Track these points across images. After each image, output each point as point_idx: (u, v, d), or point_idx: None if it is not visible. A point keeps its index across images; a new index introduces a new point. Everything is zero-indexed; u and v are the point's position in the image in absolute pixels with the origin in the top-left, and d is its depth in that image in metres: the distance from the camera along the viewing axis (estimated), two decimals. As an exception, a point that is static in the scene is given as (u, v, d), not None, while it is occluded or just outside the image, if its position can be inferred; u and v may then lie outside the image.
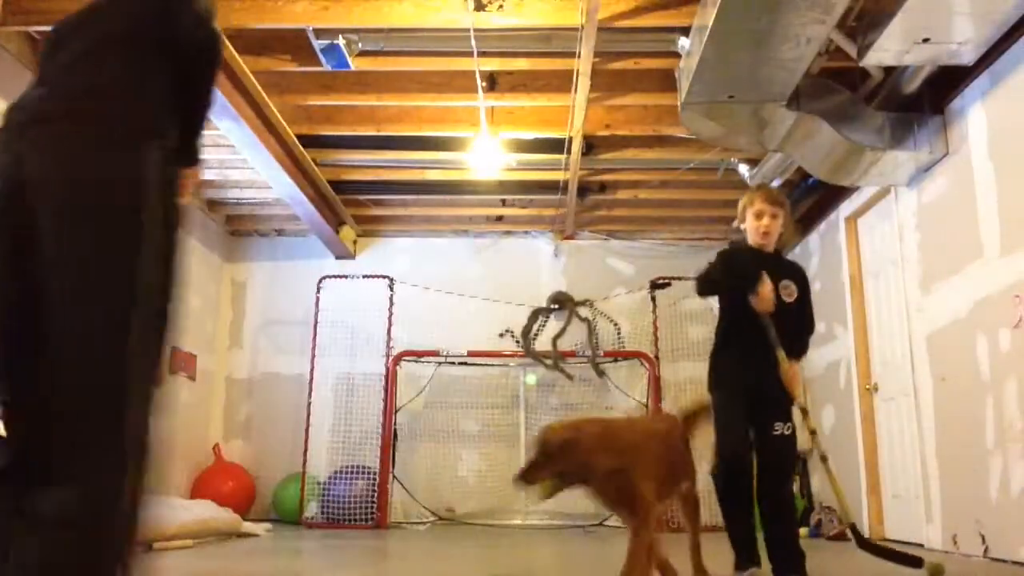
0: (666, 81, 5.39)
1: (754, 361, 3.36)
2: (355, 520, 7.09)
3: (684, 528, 3.26)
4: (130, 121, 1.61)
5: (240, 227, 8.56)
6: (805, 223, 7.53)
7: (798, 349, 3.48)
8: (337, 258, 8.50)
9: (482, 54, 5.03)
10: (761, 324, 3.35)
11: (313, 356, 7.82)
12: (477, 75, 5.24)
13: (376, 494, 7.17)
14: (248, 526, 6.08)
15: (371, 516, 7.09)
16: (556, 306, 8.15)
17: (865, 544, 3.52)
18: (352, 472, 7.32)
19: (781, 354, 3.32)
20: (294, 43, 5.12)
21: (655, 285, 8.10)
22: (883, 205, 5.97)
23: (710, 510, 3.62)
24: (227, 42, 4.79)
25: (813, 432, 3.54)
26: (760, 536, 3.28)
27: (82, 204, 1.50)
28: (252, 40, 5.13)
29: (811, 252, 7.46)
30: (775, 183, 6.48)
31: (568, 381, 7.78)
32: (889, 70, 4.85)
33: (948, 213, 4.94)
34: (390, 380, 7.57)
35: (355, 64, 5.05)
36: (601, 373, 7.77)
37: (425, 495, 7.65)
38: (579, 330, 8.03)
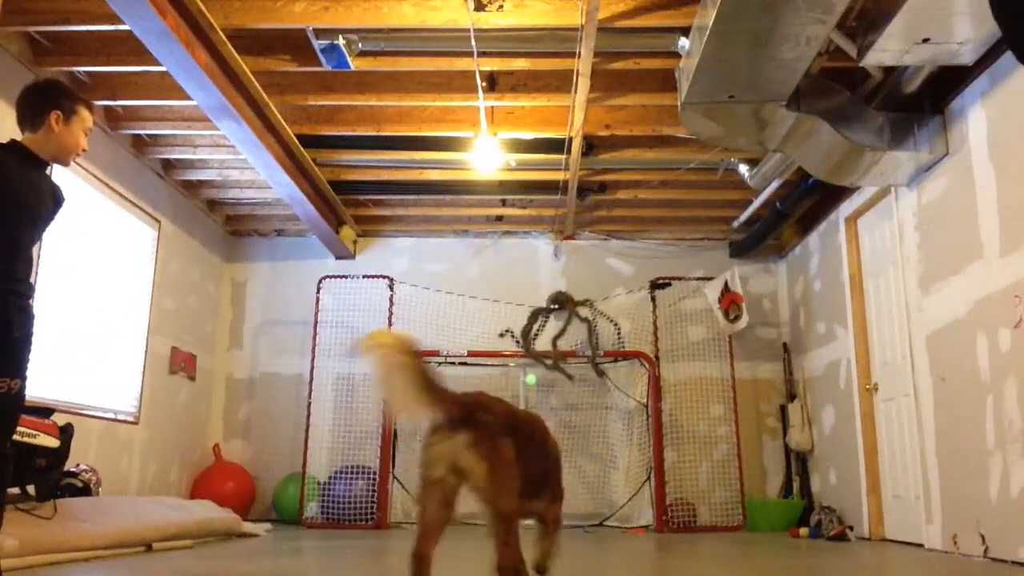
0: (666, 81, 5.39)
1: None
2: (355, 520, 7.09)
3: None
4: None
5: (240, 227, 8.56)
6: (805, 223, 7.54)
7: None
8: (337, 258, 8.50)
9: (482, 54, 5.03)
10: None
11: (313, 356, 7.82)
12: (477, 75, 5.24)
13: (376, 494, 7.16)
14: (248, 526, 6.08)
15: (371, 516, 7.09)
16: (556, 306, 8.16)
17: None
18: (352, 472, 7.32)
19: None
20: (294, 43, 5.12)
21: (655, 285, 8.11)
22: (883, 205, 5.97)
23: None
24: (227, 42, 4.79)
25: None
26: None
27: None
28: (252, 40, 5.13)
29: (811, 252, 7.46)
30: (774, 184, 6.49)
31: (568, 381, 7.78)
32: (889, 70, 4.85)
33: (948, 213, 4.94)
34: (390, 380, 7.56)
35: (355, 64, 5.06)
36: (601, 373, 7.77)
37: (425, 495, 7.63)
38: (579, 330, 8.03)
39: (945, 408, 4.96)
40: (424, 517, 2.37)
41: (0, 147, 2.94)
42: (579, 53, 4.75)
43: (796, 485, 7.57)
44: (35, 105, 3.00)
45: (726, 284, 7.73)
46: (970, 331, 4.64)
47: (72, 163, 3.19)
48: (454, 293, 8.24)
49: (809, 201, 6.88)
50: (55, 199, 3.07)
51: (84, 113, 3.07)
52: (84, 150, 3.12)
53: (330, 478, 7.36)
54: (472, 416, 2.34)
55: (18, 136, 3.02)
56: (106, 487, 5.81)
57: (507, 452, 2.36)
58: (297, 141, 6.20)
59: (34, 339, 2.90)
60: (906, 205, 5.49)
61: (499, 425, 2.39)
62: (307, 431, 7.55)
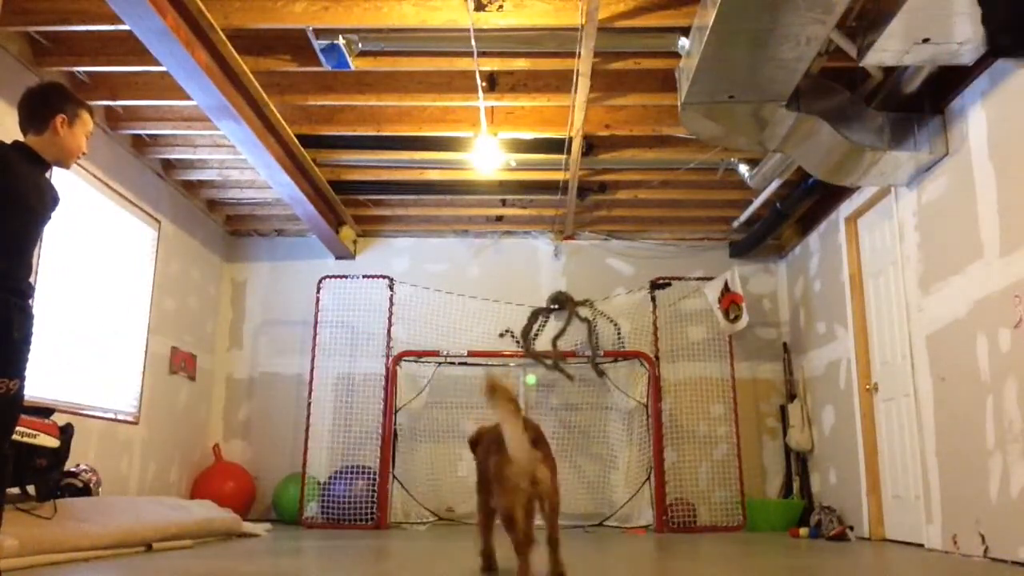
0: (666, 81, 5.39)
1: None
2: (355, 520, 7.09)
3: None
4: None
5: (240, 227, 8.57)
6: (805, 223, 7.54)
7: None
8: (337, 258, 8.50)
9: (482, 54, 5.03)
10: None
11: (313, 356, 7.82)
12: (477, 75, 5.24)
13: (376, 494, 7.16)
14: (248, 526, 6.08)
15: (371, 516, 7.09)
16: (556, 306, 8.15)
17: None
18: (352, 472, 7.32)
19: None
20: (294, 43, 5.12)
21: (655, 285, 8.11)
22: (883, 205, 5.97)
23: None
24: (227, 42, 4.79)
25: None
26: None
27: None
28: (252, 40, 5.13)
29: (811, 252, 7.46)
30: (774, 184, 6.49)
31: (568, 381, 7.78)
32: (889, 70, 4.85)
33: (948, 213, 4.94)
34: (390, 380, 7.57)
35: (355, 64, 5.06)
36: (601, 373, 7.77)
37: (425, 495, 7.65)
38: (579, 330, 8.03)
39: (945, 408, 4.95)
40: (517, 516, 3.00)
41: (8, 148, 2.94)
42: (579, 53, 4.76)
43: (796, 485, 7.57)
44: (39, 108, 3.02)
45: (726, 284, 7.73)
46: (970, 331, 4.64)
47: (72, 165, 3.22)
48: (454, 293, 8.24)
49: (809, 201, 6.88)
50: (53, 199, 3.09)
51: (86, 117, 3.12)
52: (84, 153, 3.17)
53: (330, 478, 7.36)
54: (538, 440, 3.09)
55: (18, 136, 3.03)
56: (106, 487, 5.81)
57: (555, 463, 3.16)
58: (297, 141, 6.20)
59: (34, 339, 2.90)
60: (906, 205, 5.48)
61: (547, 443, 3.18)
62: (307, 431, 7.55)
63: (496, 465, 3.11)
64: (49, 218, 3.10)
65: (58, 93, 3.12)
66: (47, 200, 3.05)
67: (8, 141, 2.99)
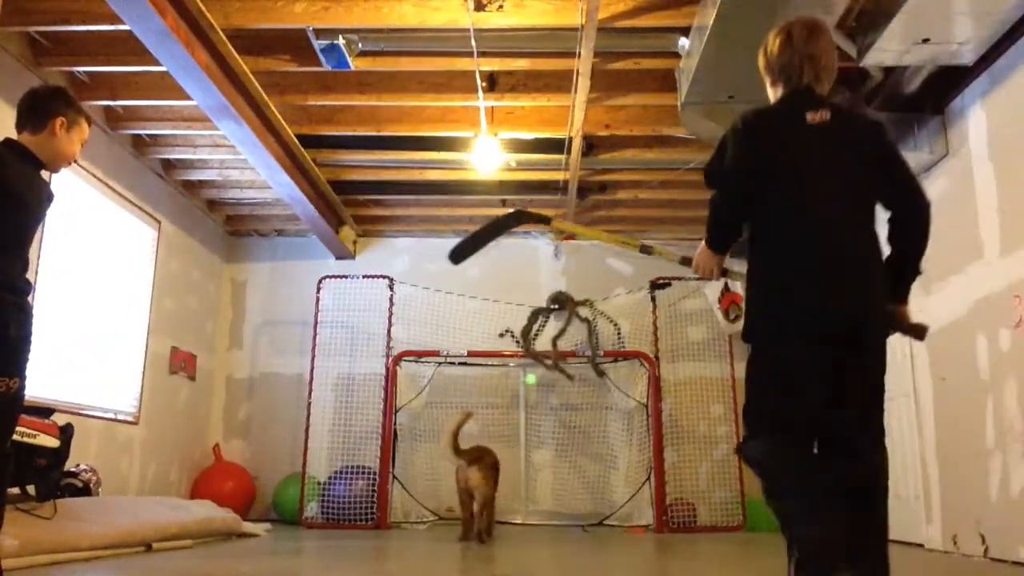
0: (666, 81, 5.39)
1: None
2: (355, 520, 7.09)
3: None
4: None
5: (240, 227, 8.56)
6: (805, 223, 7.52)
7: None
8: (337, 258, 8.50)
9: (482, 54, 5.03)
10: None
11: (313, 356, 7.81)
12: (477, 75, 5.24)
13: (376, 494, 7.16)
14: (248, 526, 6.08)
15: (371, 516, 7.09)
16: (556, 306, 8.15)
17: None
18: (352, 472, 7.32)
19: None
20: (294, 43, 5.12)
21: (655, 285, 8.10)
22: (883, 205, 5.96)
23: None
24: (227, 42, 4.79)
25: None
26: None
27: None
28: (252, 40, 5.13)
29: (811, 252, 7.45)
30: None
31: (568, 381, 7.77)
32: (889, 70, 4.85)
33: (948, 213, 4.94)
34: (390, 380, 7.56)
35: (355, 64, 5.06)
36: (601, 373, 7.76)
37: (425, 495, 7.65)
38: (579, 330, 8.03)
39: (945, 408, 4.96)
40: (465, 504, 5.55)
41: (0, 144, 2.94)
42: (579, 53, 4.76)
43: (796, 485, 7.56)
44: (40, 108, 3.02)
45: (726, 284, 7.72)
46: (970, 331, 4.64)
47: (61, 170, 3.23)
48: (454, 293, 8.23)
49: (809, 201, 6.86)
50: (48, 196, 3.11)
51: (84, 126, 3.13)
52: (75, 161, 3.20)
53: (330, 478, 7.35)
54: (480, 458, 5.54)
55: (13, 136, 3.03)
56: (106, 487, 5.81)
57: (492, 475, 5.60)
58: (297, 141, 6.20)
59: (33, 338, 2.90)
60: (906, 205, 5.47)
61: (489, 464, 5.60)
62: (307, 431, 7.55)
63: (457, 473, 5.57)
64: (44, 215, 3.10)
65: (62, 97, 3.13)
66: (42, 197, 3.06)
67: (4, 139, 2.99)
